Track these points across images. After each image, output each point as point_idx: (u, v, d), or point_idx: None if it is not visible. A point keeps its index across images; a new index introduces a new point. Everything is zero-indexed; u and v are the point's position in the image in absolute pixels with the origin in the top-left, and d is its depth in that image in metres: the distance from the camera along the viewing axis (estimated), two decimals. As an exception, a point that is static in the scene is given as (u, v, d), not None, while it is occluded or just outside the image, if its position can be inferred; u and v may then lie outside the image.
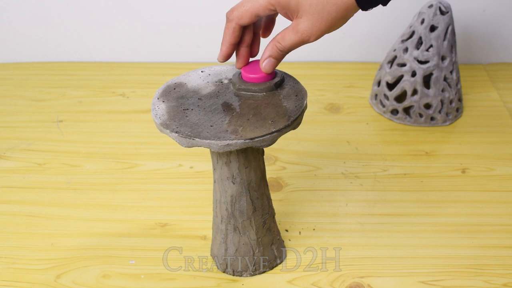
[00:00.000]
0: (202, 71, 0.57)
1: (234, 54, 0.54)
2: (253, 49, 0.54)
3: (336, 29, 0.50)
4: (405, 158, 0.79)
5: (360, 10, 0.48)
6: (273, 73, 0.53)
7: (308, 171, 0.77)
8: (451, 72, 0.83)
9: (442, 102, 0.84)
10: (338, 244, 0.65)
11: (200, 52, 1.05)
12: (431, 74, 0.82)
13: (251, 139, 0.46)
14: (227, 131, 0.47)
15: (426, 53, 0.81)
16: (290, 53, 0.52)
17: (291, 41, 0.50)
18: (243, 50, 0.53)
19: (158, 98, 0.52)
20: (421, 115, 0.85)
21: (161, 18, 1.01)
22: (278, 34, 0.51)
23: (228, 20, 0.51)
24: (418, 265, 0.62)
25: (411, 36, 0.83)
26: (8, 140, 0.85)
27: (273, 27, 0.55)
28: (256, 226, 0.58)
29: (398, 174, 0.76)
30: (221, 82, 0.54)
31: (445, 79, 0.83)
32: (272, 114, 0.49)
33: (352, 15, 0.49)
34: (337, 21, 0.48)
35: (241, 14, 0.49)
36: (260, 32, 0.55)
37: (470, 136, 0.83)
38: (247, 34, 0.52)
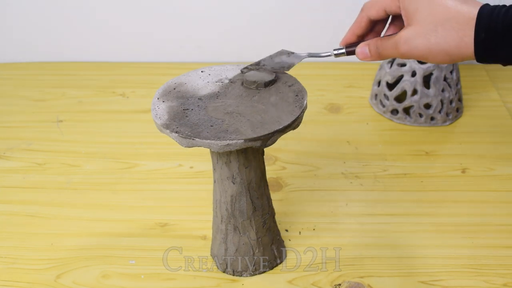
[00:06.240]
0: (202, 71, 0.57)
1: None
2: None
3: (436, 62, 0.46)
4: (405, 158, 0.79)
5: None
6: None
7: (308, 171, 0.77)
8: (451, 72, 0.83)
9: (442, 102, 0.84)
10: (338, 244, 0.65)
11: (200, 52, 1.05)
12: (431, 74, 0.82)
13: (251, 139, 0.46)
14: (227, 131, 0.47)
15: (426, 53, 0.81)
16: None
17: (386, 51, 0.49)
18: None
19: (158, 98, 0.52)
20: (421, 115, 0.85)
21: (161, 18, 1.01)
22: (384, 37, 0.49)
23: (361, 10, 0.51)
24: (418, 265, 0.62)
25: (411, 36, 0.83)
26: (8, 140, 0.85)
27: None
28: (256, 226, 0.58)
29: (398, 174, 0.76)
30: (221, 82, 0.54)
31: (445, 79, 0.83)
32: (272, 114, 0.49)
33: (461, 60, 0.44)
34: (441, 56, 0.44)
35: (371, 5, 0.50)
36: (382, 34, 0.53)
37: (470, 136, 0.83)
38: (371, 35, 0.52)
